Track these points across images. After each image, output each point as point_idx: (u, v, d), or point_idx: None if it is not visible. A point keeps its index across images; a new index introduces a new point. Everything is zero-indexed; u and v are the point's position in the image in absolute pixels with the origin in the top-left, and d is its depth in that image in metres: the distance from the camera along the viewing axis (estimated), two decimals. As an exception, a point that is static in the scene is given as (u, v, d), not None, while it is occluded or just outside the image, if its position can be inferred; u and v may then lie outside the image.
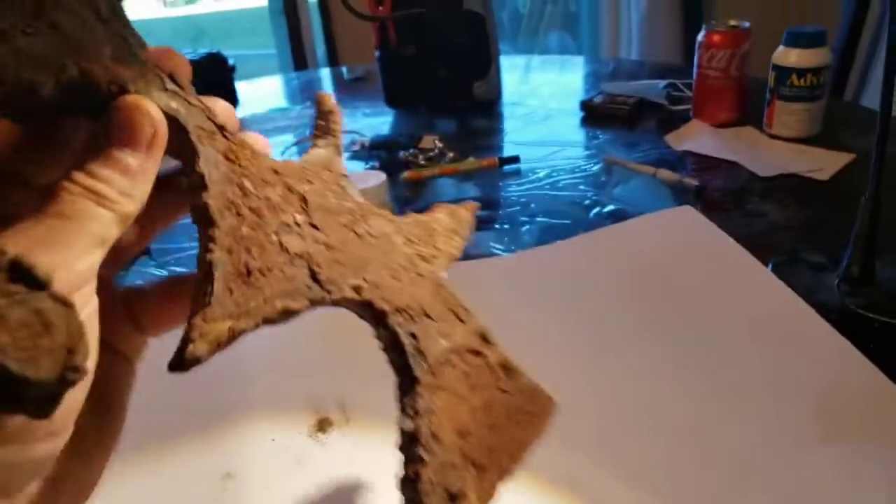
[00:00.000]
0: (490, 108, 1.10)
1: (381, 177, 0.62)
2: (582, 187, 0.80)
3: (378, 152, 0.95)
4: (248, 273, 0.23)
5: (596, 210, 0.74)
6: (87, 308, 0.19)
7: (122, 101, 0.21)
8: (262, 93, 1.34)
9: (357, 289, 0.25)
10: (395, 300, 0.26)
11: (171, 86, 0.23)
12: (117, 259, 0.24)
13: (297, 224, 0.25)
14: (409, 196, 0.82)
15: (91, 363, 0.19)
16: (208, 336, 0.21)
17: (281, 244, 0.24)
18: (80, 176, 0.20)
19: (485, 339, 0.29)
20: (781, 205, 0.71)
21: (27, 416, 0.16)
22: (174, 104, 0.23)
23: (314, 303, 0.24)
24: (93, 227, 0.19)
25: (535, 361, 0.38)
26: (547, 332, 0.51)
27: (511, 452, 0.28)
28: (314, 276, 0.24)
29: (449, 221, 0.32)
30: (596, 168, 0.85)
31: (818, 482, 0.38)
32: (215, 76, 1.12)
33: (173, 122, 0.23)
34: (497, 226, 0.73)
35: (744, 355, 0.48)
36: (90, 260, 0.19)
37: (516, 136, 0.99)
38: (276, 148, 1.02)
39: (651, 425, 0.43)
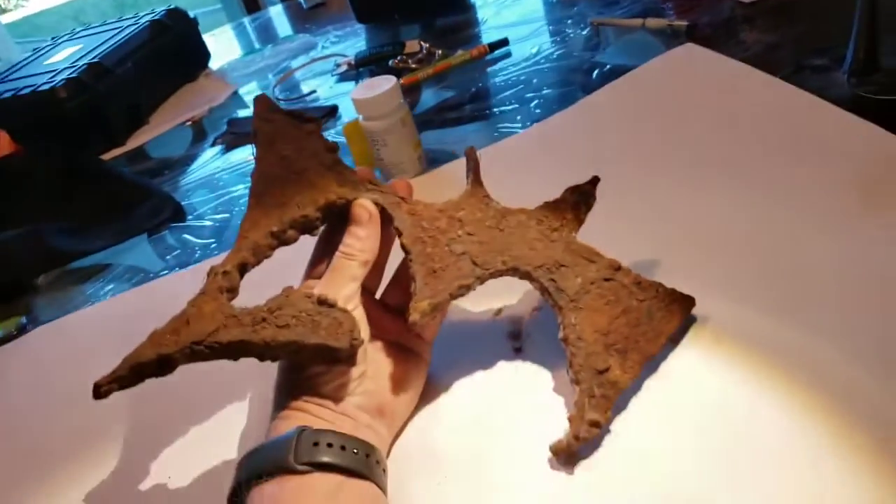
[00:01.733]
0: (461, 2, 1.09)
1: (391, 80, 0.63)
2: (576, 54, 0.81)
3: (366, 68, 0.95)
4: (434, 272, 0.37)
5: (597, 72, 0.76)
6: (357, 311, 0.37)
7: (353, 205, 0.39)
8: (226, 42, 1.31)
9: (504, 262, 0.38)
10: (533, 262, 0.39)
11: (371, 186, 0.41)
12: (376, 276, 0.42)
13: (459, 236, 0.39)
14: (411, 102, 0.83)
15: (365, 335, 0.36)
16: (418, 309, 0.35)
17: (451, 250, 0.38)
18: (341, 246, 0.38)
19: (616, 268, 0.39)
20: (772, 25, 0.73)
21: (344, 364, 0.35)
22: (375, 196, 0.40)
23: (478, 277, 0.37)
24: (347, 272, 0.37)
25: (597, 216, 0.42)
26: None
27: (651, 339, 0.37)
28: (474, 262, 0.38)
29: (573, 197, 0.42)
30: (585, 33, 0.85)
31: (868, 249, 0.42)
32: (181, 31, 1.10)
33: (377, 205, 0.40)
34: (506, 108, 0.74)
35: (782, 159, 0.51)
36: (351, 288, 0.37)
37: (495, 22, 0.99)
38: (262, 84, 1.02)
39: (721, 240, 0.47)
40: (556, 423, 0.37)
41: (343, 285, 0.36)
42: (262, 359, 0.34)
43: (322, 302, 0.35)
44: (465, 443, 0.38)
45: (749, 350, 0.38)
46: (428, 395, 0.41)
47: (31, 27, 4.02)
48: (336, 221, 0.40)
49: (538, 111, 0.71)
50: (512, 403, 0.40)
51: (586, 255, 0.39)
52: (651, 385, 0.38)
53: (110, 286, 0.66)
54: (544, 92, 0.75)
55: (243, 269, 0.36)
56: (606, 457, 0.35)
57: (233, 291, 0.35)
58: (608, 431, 0.36)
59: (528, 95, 0.75)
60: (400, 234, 0.38)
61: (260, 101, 0.41)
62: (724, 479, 0.32)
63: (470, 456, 0.37)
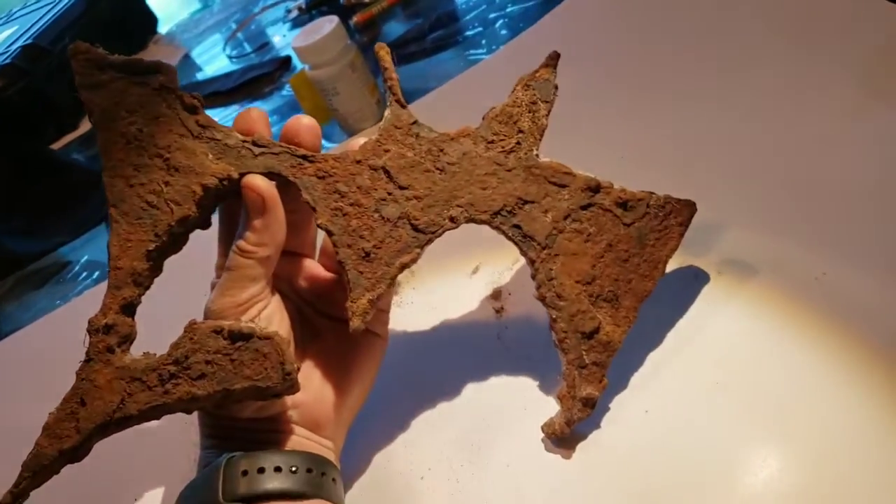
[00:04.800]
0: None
1: (333, 20, 0.56)
2: (539, -37, 0.73)
3: (318, 10, 0.87)
4: (367, 254, 0.30)
5: (563, -21, 0.68)
6: (266, 310, 0.30)
7: (242, 187, 0.29)
8: (173, 2, 1.23)
9: (452, 218, 0.31)
10: (490, 207, 0.31)
11: (258, 149, 0.30)
12: (304, 238, 0.34)
13: (389, 193, 0.30)
14: (366, 42, 0.76)
15: (284, 332, 0.30)
16: (357, 311, 0.29)
17: (382, 217, 0.30)
18: (236, 240, 0.29)
19: (593, 189, 0.31)
20: None
21: (284, 395, 0.29)
22: (268, 162, 0.30)
23: (423, 247, 0.30)
24: (246, 272, 0.29)
25: (597, 132, 0.36)
26: (590, 104, 0.49)
27: (645, 274, 0.31)
28: (415, 228, 0.30)
29: (526, 94, 0.32)
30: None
31: (879, 135, 0.36)
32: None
33: (271, 174, 0.30)
34: (469, 34, 0.67)
35: (787, 45, 0.45)
36: (249, 292, 0.29)
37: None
38: (215, 44, 0.95)
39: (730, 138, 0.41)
40: (548, 394, 0.33)
41: (242, 288, 0.29)
42: (188, 412, 0.29)
43: (236, 336, 0.28)
44: (449, 424, 0.34)
45: (772, 285, 0.33)
46: (403, 374, 0.37)
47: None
48: (233, 198, 0.31)
49: (504, 32, 0.65)
50: (497, 375, 0.35)
51: (555, 179, 0.31)
52: (652, 331, 0.33)
53: (72, 284, 0.62)
54: (508, 10, 0.68)
55: (130, 307, 0.29)
56: (608, 431, 0.31)
57: (127, 339, 0.29)
58: (608, 407, 0.32)
59: (492, 16, 0.68)
60: (314, 210, 0.30)
61: (77, 55, 0.29)
62: (749, 447, 0.28)
63: (455, 439, 0.33)
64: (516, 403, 0.33)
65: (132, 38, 1.04)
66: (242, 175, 0.29)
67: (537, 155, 0.32)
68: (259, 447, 0.29)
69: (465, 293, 0.41)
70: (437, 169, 0.31)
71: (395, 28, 0.76)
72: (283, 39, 0.87)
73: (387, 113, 0.32)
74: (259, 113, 0.31)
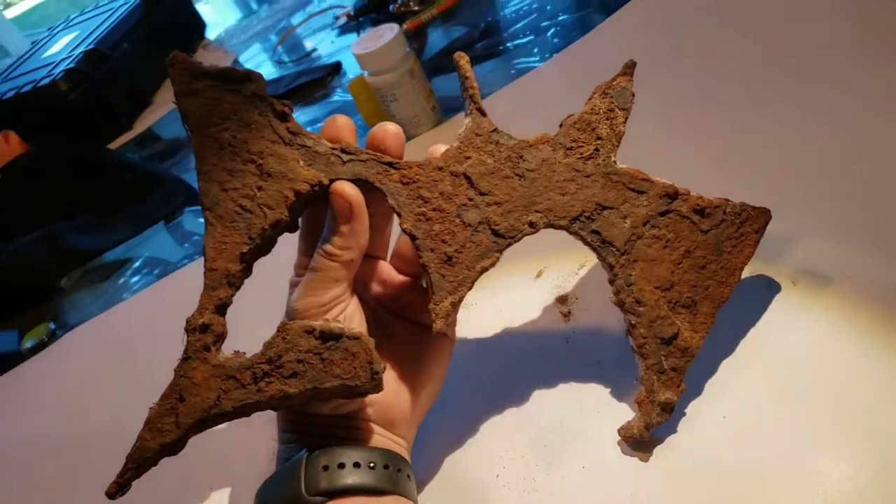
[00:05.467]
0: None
1: (393, 28, 0.57)
2: (591, -28, 0.74)
3: (367, 17, 0.89)
4: (449, 258, 0.31)
5: (616, -12, 0.69)
6: (347, 311, 0.31)
7: (330, 192, 0.30)
8: (222, 8, 1.26)
9: (532, 223, 0.31)
10: (568, 212, 0.32)
11: (346, 157, 0.31)
12: (381, 241, 0.35)
13: (470, 199, 0.31)
14: (416, 48, 0.77)
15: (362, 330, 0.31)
16: (440, 314, 0.30)
17: (464, 222, 0.31)
18: (322, 243, 0.30)
19: (672, 195, 0.32)
20: None
21: (369, 394, 0.30)
22: (356, 169, 0.31)
23: (502, 251, 0.31)
24: (330, 273, 0.30)
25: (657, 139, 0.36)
26: (652, 111, 0.49)
27: (722, 280, 0.32)
28: (495, 233, 0.31)
29: (604, 102, 0.33)
30: (598, -54, 0.78)
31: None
32: (174, 4, 1.05)
33: (358, 181, 0.31)
34: (520, 41, 0.68)
35: (857, 54, 0.45)
36: (332, 293, 0.30)
37: (500, -53, 0.91)
38: (263, 47, 0.97)
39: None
40: (621, 398, 0.34)
41: (326, 289, 0.30)
42: (278, 409, 0.30)
43: (326, 336, 0.29)
44: (522, 425, 0.35)
45: (847, 294, 0.33)
46: (470, 375, 0.38)
47: (37, 17, 4.00)
48: (319, 202, 0.32)
49: (556, 41, 0.65)
50: (568, 378, 0.36)
51: (633, 185, 0.32)
52: (725, 338, 0.33)
53: (133, 280, 0.64)
54: (560, 19, 0.68)
55: (223, 307, 0.30)
56: (686, 436, 0.31)
57: (220, 338, 0.30)
58: (683, 413, 0.32)
59: (544, 24, 0.69)
60: (399, 215, 0.31)
61: (175, 65, 0.30)
62: (826, 455, 0.29)
63: (531, 439, 0.34)
64: (590, 406, 0.34)
65: (183, 43, 1.07)
66: (332, 181, 0.30)
67: (615, 161, 0.32)
68: (337, 442, 0.30)
69: (529, 296, 0.41)
70: (517, 175, 0.32)
71: (441, 36, 0.78)
72: (331, 45, 0.88)
73: (467, 121, 0.32)
74: (345, 121, 0.32)
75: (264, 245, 0.31)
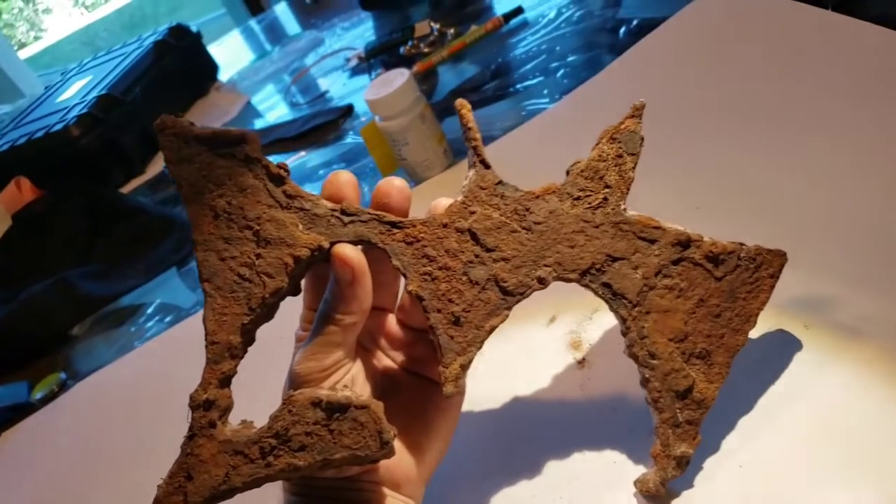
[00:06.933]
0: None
1: (404, 74, 0.58)
2: (597, 13, 0.75)
3: (377, 59, 0.90)
4: (457, 319, 0.30)
5: (623, 29, 0.69)
6: (351, 372, 0.31)
7: (332, 256, 0.29)
8: (235, 49, 1.28)
9: (541, 279, 0.30)
10: (578, 266, 0.31)
11: (347, 218, 0.30)
12: (389, 295, 0.35)
13: (476, 256, 0.30)
14: (426, 89, 0.78)
15: (365, 392, 0.31)
16: (449, 377, 0.29)
17: (471, 280, 0.30)
18: (325, 309, 0.30)
19: (683, 243, 0.31)
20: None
21: (379, 460, 0.29)
22: (358, 230, 0.30)
23: (511, 307, 0.30)
24: (329, 338, 0.29)
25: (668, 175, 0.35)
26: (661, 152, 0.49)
27: (737, 328, 0.31)
28: (504, 290, 0.30)
29: (612, 147, 0.32)
30: (604, -12, 0.78)
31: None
32: (186, 47, 1.07)
33: (362, 243, 0.30)
34: (530, 82, 0.69)
35: (851, 102, 0.45)
36: (334, 357, 0.29)
37: (507, -11, 0.92)
38: (276, 88, 0.98)
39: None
40: (638, 447, 0.33)
41: (327, 354, 0.29)
42: (287, 481, 0.30)
43: (333, 408, 0.28)
44: (536, 475, 0.34)
45: (866, 341, 0.32)
46: (482, 423, 0.37)
47: (51, 58, 4.10)
48: (322, 261, 0.31)
49: (566, 81, 0.66)
50: (583, 427, 0.35)
51: (644, 234, 0.31)
52: (742, 389, 0.33)
53: (147, 325, 0.64)
54: (569, 59, 0.69)
55: (227, 380, 0.29)
56: (702, 490, 0.30)
57: (226, 411, 0.29)
58: (700, 467, 0.31)
59: (553, 65, 0.69)
60: (404, 276, 0.30)
61: (164, 130, 0.29)
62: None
63: (545, 489, 0.33)
64: (605, 456, 0.33)
65: (195, 85, 1.09)
66: (332, 244, 0.29)
67: (625, 209, 0.31)
68: None
69: (542, 343, 0.41)
70: (524, 229, 0.31)
71: (452, 76, 0.78)
72: (342, 87, 0.89)
73: (471, 173, 0.31)
74: (348, 177, 0.31)
75: (265, 313, 0.30)
